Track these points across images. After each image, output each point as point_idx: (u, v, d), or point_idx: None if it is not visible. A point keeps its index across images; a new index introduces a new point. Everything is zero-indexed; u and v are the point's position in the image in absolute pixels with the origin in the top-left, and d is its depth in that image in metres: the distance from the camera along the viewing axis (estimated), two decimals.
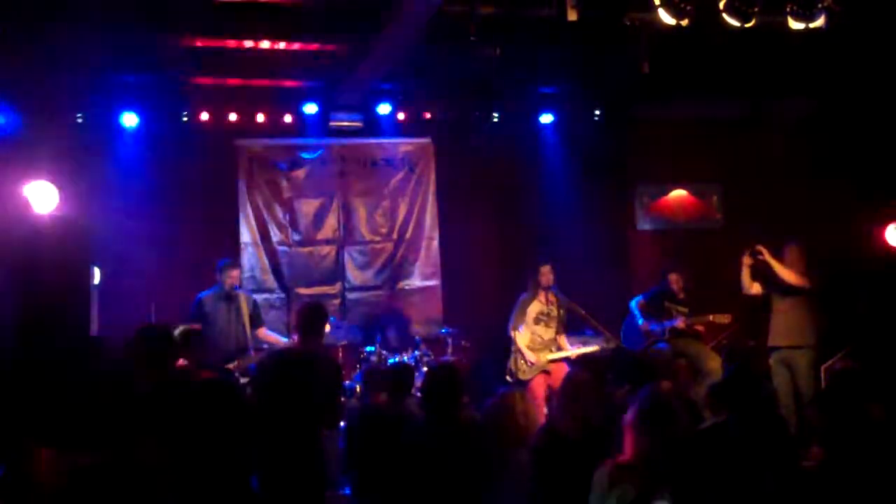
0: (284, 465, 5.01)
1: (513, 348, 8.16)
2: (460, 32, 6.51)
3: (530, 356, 7.96)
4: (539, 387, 7.91)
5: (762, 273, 8.04)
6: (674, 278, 8.51)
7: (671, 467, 3.71)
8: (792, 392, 7.82)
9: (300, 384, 5.16)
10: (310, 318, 5.56)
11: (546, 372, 8.00)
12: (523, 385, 7.76)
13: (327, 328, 7.74)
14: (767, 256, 7.92)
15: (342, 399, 7.53)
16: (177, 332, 6.31)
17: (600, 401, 5.20)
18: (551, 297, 8.16)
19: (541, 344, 8.06)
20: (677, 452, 3.75)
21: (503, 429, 4.80)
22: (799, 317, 7.94)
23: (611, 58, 7.62)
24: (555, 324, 8.12)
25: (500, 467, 4.62)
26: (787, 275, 7.88)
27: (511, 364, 8.08)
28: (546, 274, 8.14)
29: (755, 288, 8.12)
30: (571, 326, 8.36)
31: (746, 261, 8.03)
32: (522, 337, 8.03)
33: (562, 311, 8.11)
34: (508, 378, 7.93)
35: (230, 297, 7.68)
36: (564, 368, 7.58)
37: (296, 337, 5.75)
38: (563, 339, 8.18)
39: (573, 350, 8.10)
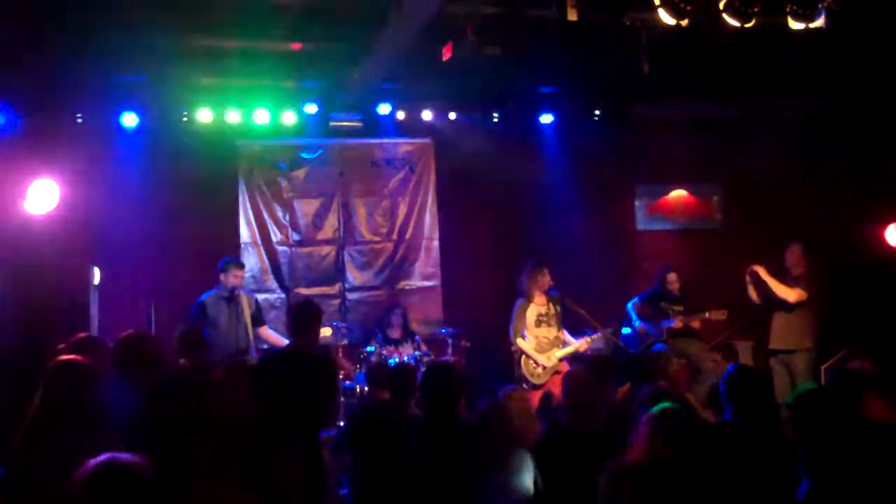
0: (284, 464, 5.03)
1: (513, 350, 8.11)
2: (460, 32, 6.51)
3: (541, 359, 7.90)
4: (556, 388, 7.81)
5: (762, 288, 8.05)
6: (670, 279, 8.52)
7: (676, 467, 3.71)
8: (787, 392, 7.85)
9: (293, 384, 5.20)
10: (300, 317, 5.61)
11: (558, 372, 7.92)
12: (539, 389, 7.73)
13: (328, 332, 7.83)
14: (764, 275, 7.96)
15: (339, 397, 7.54)
16: (178, 331, 6.31)
17: (603, 399, 5.21)
18: (548, 298, 8.12)
19: (547, 344, 8.00)
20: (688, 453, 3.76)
21: (501, 428, 4.80)
22: (797, 320, 7.99)
23: (611, 58, 7.61)
24: (555, 321, 8.08)
25: (498, 467, 4.62)
26: (784, 293, 7.94)
27: (523, 371, 7.97)
28: (546, 276, 8.12)
29: (761, 300, 8.15)
30: (570, 326, 8.31)
31: (748, 279, 8.07)
32: (528, 343, 7.97)
33: (558, 308, 8.08)
34: (524, 385, 7.85)
35: (232, 298, 7.66)
36: None
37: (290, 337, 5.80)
38: (564, 334, 8.12)
39: (578, 341, 8.04)
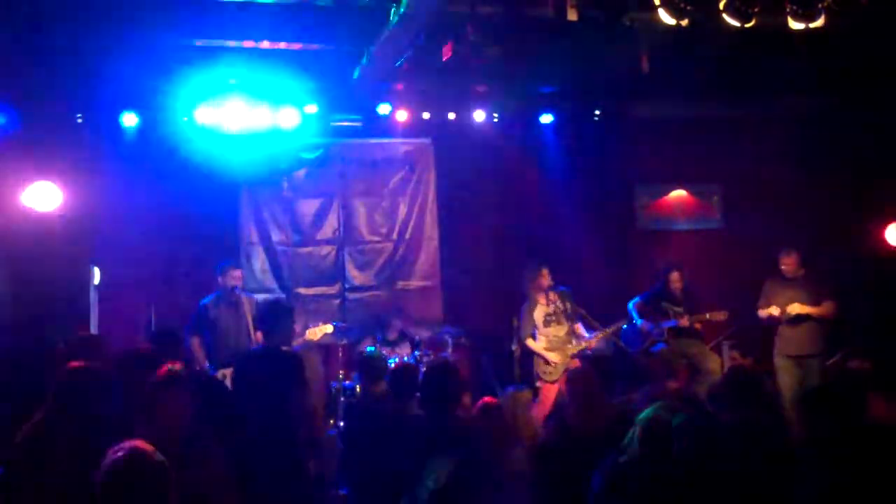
0: (262, 460, 5.07)
1: (514, 350, 8.09)
2: (460, 32, 6.52)
3: (552, 357, 7.90)
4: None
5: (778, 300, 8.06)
6: (672, 279, 8.51)
7: (673, 467, 3.72)
8: (797, 392, 7.83)
9: (260, 382, 5.30)
10: (264, 318, 5.73)
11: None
12: (554, 384, 7.73)
13: (329, 329, 7.82)
14: (799, 309, 7.94)
15: (310, 395, 7.42)
16: (160, 333, 6.27)
17: (605, 397, 5.21)
18: (552, 296, 8.11)
19: (559, 342, 8.00)
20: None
21: (501, 428, 4.81)
22: (815, 325, 7.99)
23: (610, 57, 7.61)
24: (564, 318, 8.07)
25: (497, 466, 4.62)
26: (823, 312, 7.96)
27: (536, 369, 7.96)
28: (547, 275, 8.12)
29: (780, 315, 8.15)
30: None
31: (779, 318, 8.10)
32: (539, 343, 7.98)
33: (567, 304, 8.08)
34: (538, 384, 7.84)
35: (232, 300, 7.65)
36: None
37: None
38: (578, 328, 8.12)
39: (591, 336, 8.04)
